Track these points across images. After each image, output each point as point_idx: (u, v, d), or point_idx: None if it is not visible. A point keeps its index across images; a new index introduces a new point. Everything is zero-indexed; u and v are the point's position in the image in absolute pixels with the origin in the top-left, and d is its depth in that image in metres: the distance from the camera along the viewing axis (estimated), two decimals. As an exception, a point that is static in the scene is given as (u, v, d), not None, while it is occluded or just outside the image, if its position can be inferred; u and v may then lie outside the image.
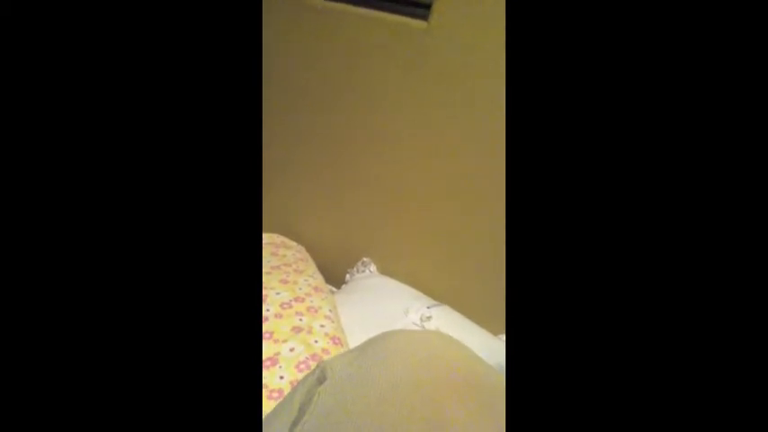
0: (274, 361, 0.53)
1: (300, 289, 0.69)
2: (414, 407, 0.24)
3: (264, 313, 0.61)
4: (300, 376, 0.52)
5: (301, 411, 0.25)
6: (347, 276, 0.90)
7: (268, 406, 0.47)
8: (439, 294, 0.80)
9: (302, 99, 0.83)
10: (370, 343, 0.29)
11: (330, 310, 0.66)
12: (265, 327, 0.58)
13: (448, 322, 0.71)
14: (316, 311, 0.64)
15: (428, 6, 0.67)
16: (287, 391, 0.50)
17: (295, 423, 0.25)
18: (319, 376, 0.27)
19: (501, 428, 0.25)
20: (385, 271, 0.87)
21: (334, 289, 0.87)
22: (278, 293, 0.66)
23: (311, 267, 0.81)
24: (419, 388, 0.24)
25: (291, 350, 0.55)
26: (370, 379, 0.25)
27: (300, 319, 0.61)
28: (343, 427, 0.23)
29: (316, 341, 0.58)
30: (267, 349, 0.55)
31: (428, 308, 0.73)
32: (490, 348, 0.69)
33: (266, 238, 0.90)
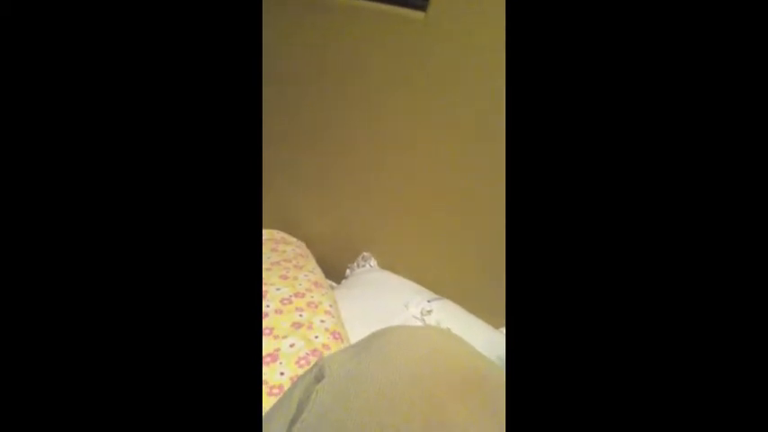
0: (274, 357, 0.53)
1: (300, 284, 0.69)
2: (413, 404, 0.23)
3: (264, 309, 0.61)
4: (301, 372, 0.52)
5: (300, 409, 0.25)
6: (347, 271, 0.89)
7: (268, 402, 0.47)
8: (439, 288, 0.79)
9: (301, 96, 0.82)
10: (370, 339, 0.29)
11: (330, 306, 0.66)
12: (265, 323, 0.58)
13: (449, 316, 0.71)
14: (316, 307, 0.64)
15: (426, -3, 0.66)
16: (287, 387, 0.49)
17: (294, 421, 0.25)
18: (317, 374, 0.27)
19: (501, 425, 0.24)
20: (385, 265, 0.86)
21: (334, 284, 0.87)
22: (278, 289, 0.66)
23: (311, 263, 0.80)
24: (419, 385, 0.24)
25: (292, 346, 0.55)
26: (369, 376, 0.25)
27: (300, 315, 0.61)
28: (342, 424, 0.23)
29: (316, 336, 0.58)
30: (267, 345, 0.55)
31: (429, 302, 0.73)
32: (491, 341, 0.69)
33: (266, 234, 0.89)
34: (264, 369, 0.51)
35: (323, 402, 0.25)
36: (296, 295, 0.65)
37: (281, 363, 0.52)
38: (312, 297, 0.66)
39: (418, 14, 0.67)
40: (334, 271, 0.90)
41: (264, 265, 0.73)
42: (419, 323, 0.68)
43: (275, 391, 0.49)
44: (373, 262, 0.87)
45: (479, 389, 0.26)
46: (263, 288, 0.66)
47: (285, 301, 0.63)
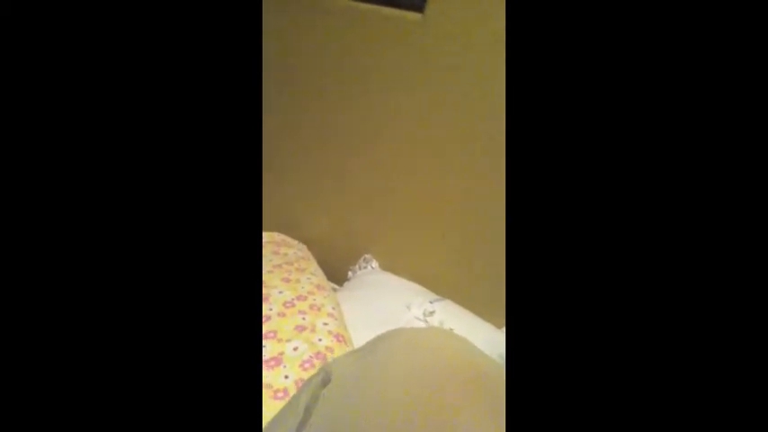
0: (279, 360, 0.53)
1: (303, 287, 0.69)
2: (420, 408, 0.23)
3: (267, 312, 0.61)
4: (305, 375, 0.52)
5: (307, 413, 0.25)
6: (349, 273, 0.89)
7: (273, 406, 0.47)
8: (441, 289, 0.80)
9: (302, 96, 0.82)
10: (375, 343, 0.29)
11: (333, 308, 0.66)
12: (269, 326, 0.58)
13: (451, 316, 0.71)
14: (318, 309, 0.64)
15: (424, -2, 0.66)
16: (292, 390, 0.50)
17: (302, 424, 0.25)
18: (324, 378, 0.27)
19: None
20: (387, 267, 0.86)
21: (336, 286, 0.87)
22: (280, 292, 0.66)
23: (313, 265, 0.81)
24: (425, 389, 0.24)
25: (295, 349, 0.55)
26: (375, 380, 0.25)
27: (303, 318, 0.61)
28: (350, 429, 0.23)
29: (319, 339, 0.58)
30: (271, 349, 0.55)
31: (431, 302, 0.73)
32: (493, 341, 0.69)
33: (267, 236, 0.89)
34: (269, 372, 0.52)
35: (330, 406, 0.25)
36: (298, 298, 0.65)
37: (284, 366, 0.53)
38: (315, 300, 0.66)
39: (416, 16, 0.67)
40: (336, 273, 0.90)
41: (266, 268, 0.74)
42: (422, 324, 0.68)
43: (279, 394, 0.49)
44: (375, 264, 0.87)
45: (487, 393, 0.26)
46: (266, 291, 0.66)
47: (288, 305, 0.63)
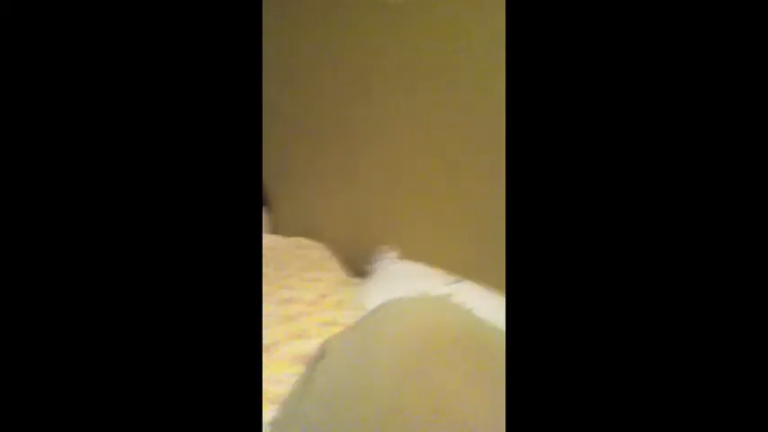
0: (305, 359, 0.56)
1: (326, 285, 0.72)
2: (412, 387, 0.25)
3: (293, 312, 0.64)
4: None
5: (301, 389, 0.27)
6: (370, 267, 0.92)
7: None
8: (460, 271, 0.80)
9: (302, 96, 0.82)
10: (369, 319, 0.30)
11: (357, 302, 0.69)
12: (294, 326, 0.61)
13: (472, 296, 0.72)
14: (342, 305, 0.67)
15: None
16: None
17: (297, 401, 0.27)
18: (317, 355, 0.29)
19: (502, 393, 0.26)
20: (405, 256, 0.88)
21: (358, 281, 0.90)
22: (305, 292, 0.69)
23: (334, 263, 0.83)
24: (418, 368, 0.26)
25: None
26: (366, 360, 0.27)
27: (329, 314, 0.64)
28: (342, 407, 0.25)
29: (343, 333, 0.60)
30: (299, 347, 0.58)
31: (450, 285, 0.74)
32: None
33: (290, 241, 0.93)
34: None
35: (322, 385, 0.26)
36: (322, 296, 0.68)
37: (312, 361, 0.55)
38: (338, 296, 0.69)
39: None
40: (358, 268, 0.92)
41: (289, 272, 0.77)
42: (418, 297, 0.69)
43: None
44: (393, 254, 0.89)
45: (479, 357, 0.27)
46: (290, 294, 0.69)
47: (312, 304, 0.66)
